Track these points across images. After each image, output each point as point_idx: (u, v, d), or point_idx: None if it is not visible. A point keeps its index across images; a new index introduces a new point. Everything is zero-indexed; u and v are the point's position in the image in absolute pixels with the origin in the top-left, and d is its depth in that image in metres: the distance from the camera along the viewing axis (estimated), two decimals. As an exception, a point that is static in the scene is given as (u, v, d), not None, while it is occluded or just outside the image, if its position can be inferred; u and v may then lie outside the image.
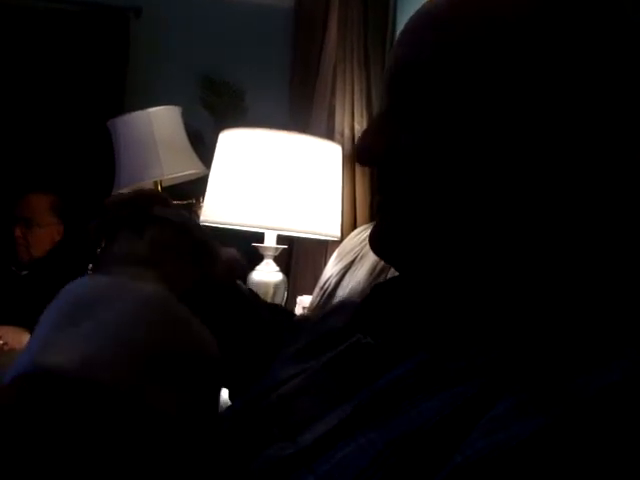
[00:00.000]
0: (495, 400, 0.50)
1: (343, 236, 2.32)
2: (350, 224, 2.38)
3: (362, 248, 1.61)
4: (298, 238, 2.34)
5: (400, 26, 2.54)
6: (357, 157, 0.64)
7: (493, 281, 0.60)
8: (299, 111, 2.96)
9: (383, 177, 0.63)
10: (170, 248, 0.65)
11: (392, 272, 1.33)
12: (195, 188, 2.63)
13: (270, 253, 2.15)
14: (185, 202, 2.56)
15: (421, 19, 0.60)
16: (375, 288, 0.76)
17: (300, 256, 2.58)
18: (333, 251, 2.52)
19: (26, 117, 2.93)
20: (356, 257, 1.60)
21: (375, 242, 0.65)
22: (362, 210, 2.41)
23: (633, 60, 0.56)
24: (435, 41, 0.57)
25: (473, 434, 0.48)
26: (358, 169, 2.43)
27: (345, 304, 0.90)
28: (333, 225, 2.19)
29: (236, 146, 2.13)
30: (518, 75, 0.55)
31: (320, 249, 2.60)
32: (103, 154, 2.64)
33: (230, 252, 0.75)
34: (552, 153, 0.56)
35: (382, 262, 1.40)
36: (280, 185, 2.07)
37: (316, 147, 2.19)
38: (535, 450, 0.44)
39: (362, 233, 1.72)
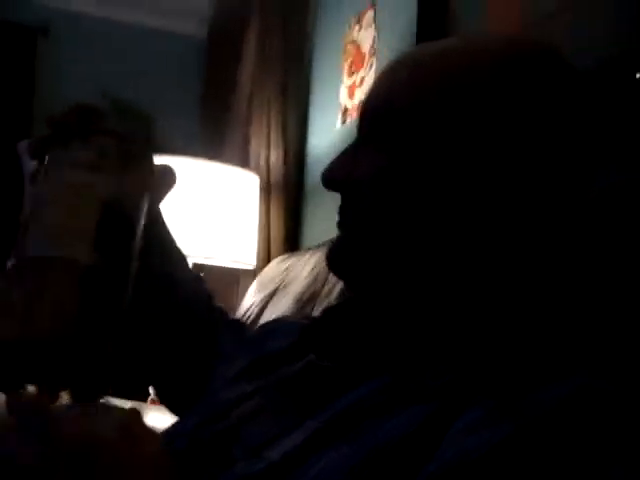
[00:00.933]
0: (457, 414, 0.53)
1: (258, 265, 2.33)
2: (264, 254, 2.38)
3: (284, 277, 1.62)
4: (209, 267, 2.31)
5: (316, 64, 2.59)
6: (323, 180, 0.72)
7: (446, 301, 0.65)
8: (210, 139, 2.96)
9: (344, 199, 0.71)
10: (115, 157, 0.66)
11: (320, 301, 1.34)
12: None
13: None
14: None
15: (400, 65, 0.70)
16: (326, 311, 0.79)
17: (210, 285, 2.56)
18: (245, 281, 2.52)
19: None
20: (278, 286, 1.61)
21: (331, 259, 0.72)
22: (276, 240, 2.42)
23: (570, 114, 0.66)
24: (410, 85, 0.67)
25: (444, 443, 0.51)
26: (273, 200, 2.44)
27: (281, 323, 0.92)
28: (249, 254, 2.19)
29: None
30: (472, 119, 0.64)
31: (231, 279, 2.59)
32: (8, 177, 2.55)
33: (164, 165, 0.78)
34: (495, 185, 0.63)
35: (309, 291, 1.41)
36: (195, 213, 2.06)
37: (233, 176, 2.19)
38: (505, 455, 0.48)
39: (283, 263, 1.73)
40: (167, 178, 0.79)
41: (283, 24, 2.57)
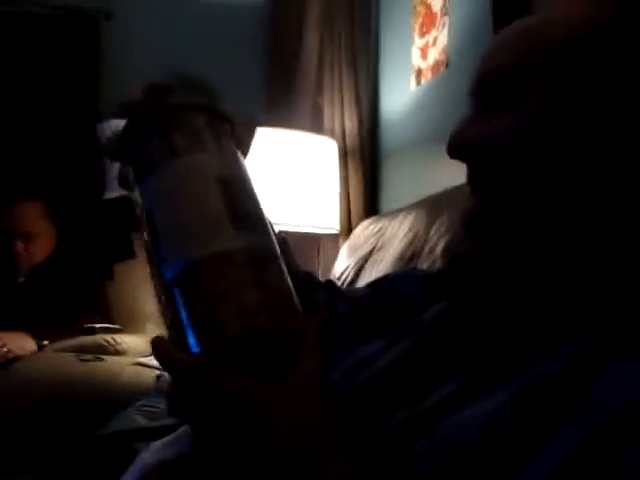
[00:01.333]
0: (606, 357, 0.56)
1: (341, 230, 2.37)
2: (346, 218, 2.42)
3: (378, 239, 1.67)
4: (291, 234, 2.37)
5: (383, 28, 2.60)
6: (450, 150, 0.75)
7: (567, 252, 0.68)
8: (279, 109, 2.98)
9: (477, 165, 0.73)
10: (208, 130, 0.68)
11: (422, 259, 1.38)
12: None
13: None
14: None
15: (516, 32, 0.75)
16: (452, 261, 0.83)
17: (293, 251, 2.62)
18: (326, 245, 2.57)
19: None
20: (373, 248, 1.66)
21: (471, 223, 0.74)
22: (356, 205, 2.46)
23: None
24: (529, 50, 0.71)
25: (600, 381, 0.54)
26: (350, 165, 2.48)
27: (404, 276, 0.96)
28: (332, 219, 2.24)
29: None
30: (590, 74, 0.68)
31: (312, 244, 2.64)
32: (84, 156, 2.63)
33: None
34: (606, 147, 0.67)
35: (410, 250, 1.45)
36: (275, 181, 2.11)
37: (310, 142, 2.24)
38: None
39: (372, 225, 1.77)
40: (250, 130, 0.84)
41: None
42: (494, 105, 0.72)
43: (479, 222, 0.73)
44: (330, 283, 1.07)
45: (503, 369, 0.62)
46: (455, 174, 1.80)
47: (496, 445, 0.55)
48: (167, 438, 0.90)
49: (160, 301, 0.62)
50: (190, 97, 0.68)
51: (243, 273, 0.58)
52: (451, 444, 0.57)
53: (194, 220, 0.60)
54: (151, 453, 0.85)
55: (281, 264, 0.63)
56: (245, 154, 0.84)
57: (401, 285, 0.94)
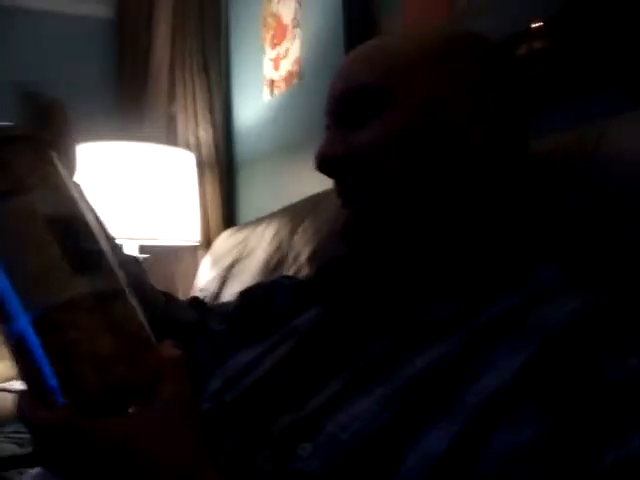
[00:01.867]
0: (483, 343, 0.62)
1: (201, 241, 2.37)
2: (205, 230, 2.42)
3: (242, 249, 1.68)
4: (150, 248, 2.34)
5: (234, 39, 2.62)
6: (320, 166, 0.79)
7: (440, 244, 0.74)
8: (129, 121, 2.93)
9: (347, 175, 0.77)
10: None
11: (288, 266, 1.41)
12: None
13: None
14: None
15: (373, 50, 0.80)
16: (327, 266, 0.86)
17: (151, 265, 2.58)
18: (184, 257, 2.55)
19: None
20: (237, 257, 1.67)
21: (349, 233, 0.77)
22: (214, 216, 2.46)
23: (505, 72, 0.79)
24: (386, 66, 0.77)
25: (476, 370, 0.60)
26: (207, 176, 2.48)
27: (276, 284, 0.99)
28: (192, 231, 2.23)
29: (85, 160, 2.10)
30: (441, 86, 0.76)
31: (170, 257, 2.61)
32: None
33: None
34: (467, 141, 0.75)
35: (275, 258, 1.48)
36: (137, 195, 2.08)
37: (168, 155, 2.22)
38: (534, 372, 0.56)
39: (234, 235, 1.79)
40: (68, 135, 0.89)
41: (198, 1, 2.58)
42: (355, 120, 0.77)
43: (355, 231, 0.77)
44: (196, 300, 1.07)
45: (379, 369, 0.65)
46: (309, 183, 1.86)
47: (374, 443, 0.58)
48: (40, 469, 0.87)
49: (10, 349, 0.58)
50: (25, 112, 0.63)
51: (91, 319, 0.55)
52: (333, 445, 0.60)
53: (30, 270, 0.56)
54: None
55: (129, 299, 0.60)
56: (73, 169, 0.83)
57: (274, 292, 0.96)
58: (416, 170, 0.74)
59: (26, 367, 0.56)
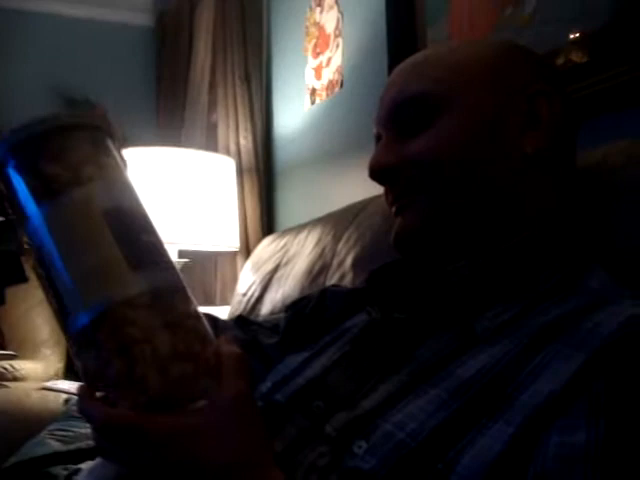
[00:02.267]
0: (534, 349, 0.62)
1: (240, 247, 2.40)
2: (244, 236, 2.45)
3: (284, 254, 1.70)
4: (191, 252, 2.37)
5: (276, 48, 2.65)
6: (373, 174, 0.80)
7: (494, 254, 0.74)
8: (169, 128, 2.97)
9: (401, 183, 0.78)
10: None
11: (332, 272, 1.42)
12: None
13: (173, 268, 2.17)
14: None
15: (422, 60, 0.82)
16: (372, 274, 0.87)
17: (188, 269, 2.61)
18: (224, 263, 2.58)
19: None
20: (279, 263, 1.69)
21: (404, 241, 0.79)
22: (253, 222, 2.49)
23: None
24: (437, 75, 0.78)
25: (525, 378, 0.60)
26: (246, 183, 2.50)
27: (330, 292, 0.99)
28: (232, 237, 2.26)
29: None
30: (490, 96, 0.77)
31: (209, 262, 2.64)
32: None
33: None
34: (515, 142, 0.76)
35: (318, 264, 1.49)
36: (177, 200, 2.11)
37: (209, 161, 2.25)
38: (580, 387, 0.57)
39: (276, 241, 1.81)
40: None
41: (240, 7, 2.61)
42: (409, 129, 0.78)
43: (410, 239, 0.78)
44: (241, 319, 1.07)
45: (432, 371, 0.66)
46: (348, 191, 1.87)
47: (430, 442, 0.59)
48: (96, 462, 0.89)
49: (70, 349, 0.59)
50: (62, 116, 0.60)
51: (150, 316, 0.55)
52: (388, 443, 0.60)
53: (89, 265, 0.56)
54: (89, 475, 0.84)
55: (187, 293, 0.60)
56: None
57: (325, 301, 0.96)
58: (471, 179, 0.75)
59: (85, 363, 0.57)
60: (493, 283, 0.72)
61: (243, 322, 1.05)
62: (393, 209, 0.80)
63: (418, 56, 0.83)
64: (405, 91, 0.79)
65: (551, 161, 0.77)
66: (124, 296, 0.55)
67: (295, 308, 1.00)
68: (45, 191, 0.57)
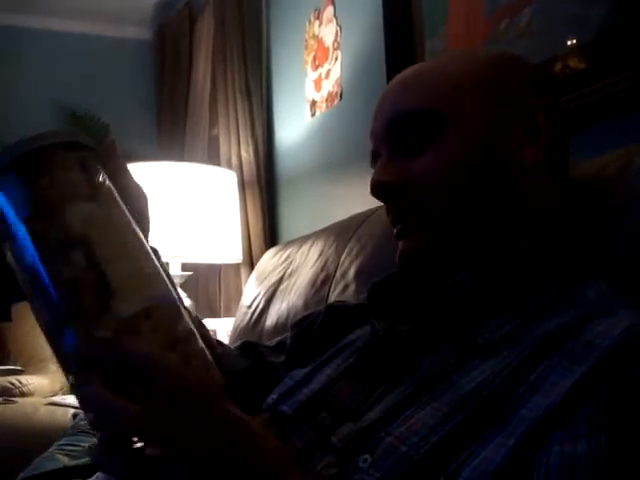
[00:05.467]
0: (535, 361, 0.63)
1: (243, 259, 2.41)
2: (247, 248, 2.46)
3: (288, 266, 1.71)
4: (194, 265, 2.39)
5: (276, 60, 2.67)
6: (375, 192, 0.79)
7: (496, 268, 0.74)
8: (170, 142, 2.99)
9: (404, 201, 0.78)
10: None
11: (336, 283, 1.44)
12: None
13: (176, 281, 2.19)
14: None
15: (417, 75, 0.81)
16: (375, 285, 0.87)
17: (191, 281, 2.63)
18: (227, 275, 2.60)
19: None
20: (283, 274, 1.70)
21: (409, 263, 0.79)
22: (255, 234, 2.50)
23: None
24: (435, 90, 0.78)
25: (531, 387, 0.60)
26: (249, 195, 2.52)
27: (334, 308, 0.99)
28: (235, 249, 2.28)
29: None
30: (491, 110, 0.77)
31: (213, 275, 2.66)
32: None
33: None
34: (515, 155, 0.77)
35: (322, 275, 1.51)
36: (179, 214, 2.13)
37: (210, 174, 2.27)
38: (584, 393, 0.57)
39: (280, 253, 1.82)
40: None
41: (239, 21, 2.63)
42: (409, 146, 0.77)
43: (418, 261, 0.78)
44: (247, 345, 1.06)
45: (434, 384, 0.67)
46: (349, 202, 1.88)
47: (432, 455, 0.59)
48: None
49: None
50: (50, 135, 0.58)
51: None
52: (392, 457, 0.61)
53: (121, 275, 0.55)
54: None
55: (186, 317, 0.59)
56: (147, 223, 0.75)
57: (330, 317, 0.96)
58: (477, 197, 0.75)
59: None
60: (494, 295, 0.72)
61: (248, 347, 1.05)
62: (395, 229, 0.80)
63: (413, 70, 0.83)
64: (402, 107, 0.79)
65: (548, 172, 0.78)
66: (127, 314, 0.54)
67: (300, 326, 1.00)
68: (35, 210, 0.55)
